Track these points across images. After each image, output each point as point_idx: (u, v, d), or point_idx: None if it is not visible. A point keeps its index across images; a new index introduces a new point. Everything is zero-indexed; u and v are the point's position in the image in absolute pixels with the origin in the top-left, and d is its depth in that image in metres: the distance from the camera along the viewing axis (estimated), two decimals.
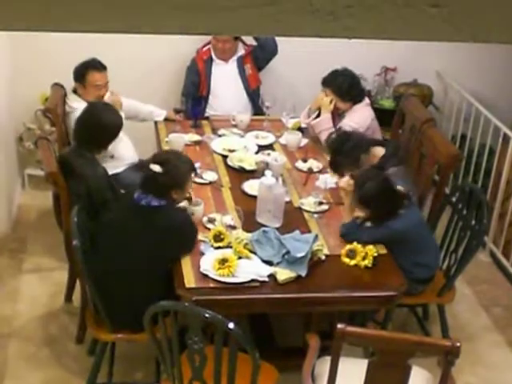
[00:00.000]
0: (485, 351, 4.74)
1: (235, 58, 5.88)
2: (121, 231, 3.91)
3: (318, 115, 5.29)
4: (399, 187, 4.17)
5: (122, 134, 5.07)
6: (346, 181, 4.33)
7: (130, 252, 3.83)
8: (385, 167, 4.42)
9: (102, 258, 3.87)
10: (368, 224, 4.16)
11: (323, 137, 5.21)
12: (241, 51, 5.90)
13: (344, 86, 5.17)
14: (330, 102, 5.22)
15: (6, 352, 4.45)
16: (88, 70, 5.13)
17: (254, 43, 5.95)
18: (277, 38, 5.86)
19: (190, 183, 4.08)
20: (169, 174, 3.83)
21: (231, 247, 3.93)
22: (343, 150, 4.46)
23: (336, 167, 4.52)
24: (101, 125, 4.52)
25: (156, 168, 3.80)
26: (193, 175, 4.11)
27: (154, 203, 3.81)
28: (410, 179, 4.63)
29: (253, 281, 3.77)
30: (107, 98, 5.17)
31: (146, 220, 3.84)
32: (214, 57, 5.87)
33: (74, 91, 5.22)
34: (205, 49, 5.90)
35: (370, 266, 3.94)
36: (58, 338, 4.60)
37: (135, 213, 3.89)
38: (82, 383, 4.12)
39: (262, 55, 5.95)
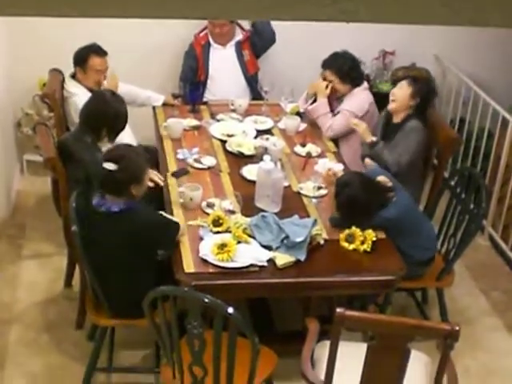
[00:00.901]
0: (483, 335, 4.75)
1: (233, 42, 5.86)
2: (91, 241, 3.80)
3: (315, 101, 5.29)
4: (380, 178, 4.16)
5: None
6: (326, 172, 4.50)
7: (110, 256, 3.80)
8: (410, 117, 4.75)
9: (97, 245, 3.86)
10: None
11: (321, 122, 5.21)
12: (239, 36, 5.88)
13: (345, 68, 5.16)
14: (326, 86, 5.21)
15: (6, 338, 4.46)
16: (90, 54, 5.11)
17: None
18: (274, 23, 5.85)
19: (148, 176, 3.92)
20: (125, 170, 3.69)
21: (230, 232, 3.94)
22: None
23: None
24: (112, 114, 4.48)
25: (110, 166, 3.67)
26: (149, 167, 3.94)
27: (114, 209, 3.71)
28: (424, 141, 4.74)
29: (252, 265, 3.77)
30: (106, 82, 5.16)
31: (109, 228, 3.74)
32: (211, 41, 5.85)
33: (72, 76, 5.20)
34: (202, 34, 5.88)
35: (368, 250, 3.94)
36: (57, 323, 4.60)
37: (97, 220, 3.77)
38: (82, 368, 4.13)
39: (259, 43, 5.92)
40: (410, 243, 4.18)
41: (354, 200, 4.00)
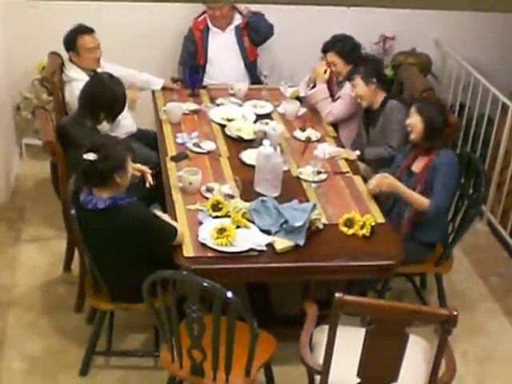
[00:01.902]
0: (481, 320, 4.77)
1: (232, 27, 5.83)
2: (85, 237, 3.78)
3: (314, 86, 5.28)
4: None
5: None
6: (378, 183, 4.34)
7: (105, 249, 3.78)
8: (386, 100, 4.82)
9: (89, 238, 3.84)
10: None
11: (320, 107, 5.20)
12: (237, 20, 5.85)
13: (347, 48, 5.17)
14: (325, 72, 5.22)
15: (5, 321, 4.47)
16: (77, 35, 5.08)
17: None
18: (274, 7, 5.83)
19: (130, 163, 3.81)
20: (107, 159, 3.62)
21: (229, 216, 3.94)
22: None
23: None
24: (110, 96, 4.48)
25: (91, 156, 3.61)
26: (130, 155, 3.83)
27: (100, 205, 3.65)
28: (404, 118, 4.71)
29: (251, 250, 3.78)
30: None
31: (97, 225, 3.70)
32: (210, 25, 5.82)
33: (71, 60, 5.19)
34: (201, 18, 5.86)
35: (367, 235, 3.95)
36: (57, 306, 4.61)
37: (85, 217, 3.73)
38: (81, 352, 4.15)
39: (257, 38, 5.89)
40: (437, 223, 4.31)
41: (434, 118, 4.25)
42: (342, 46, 5.18)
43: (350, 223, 3.98)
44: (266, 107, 5.33)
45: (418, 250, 4.27)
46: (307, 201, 4.17)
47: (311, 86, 5.33)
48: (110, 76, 4.64)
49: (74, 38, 5.09)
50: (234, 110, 5.22)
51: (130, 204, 3.71)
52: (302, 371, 3.66)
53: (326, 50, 5.23)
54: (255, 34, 5.86)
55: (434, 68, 6.45)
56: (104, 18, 5.46)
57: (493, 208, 5.75)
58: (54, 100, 5.08)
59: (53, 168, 4.59)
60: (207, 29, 5.83)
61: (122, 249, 3.74)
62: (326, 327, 3.22)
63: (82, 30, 5.11)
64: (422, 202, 4.18)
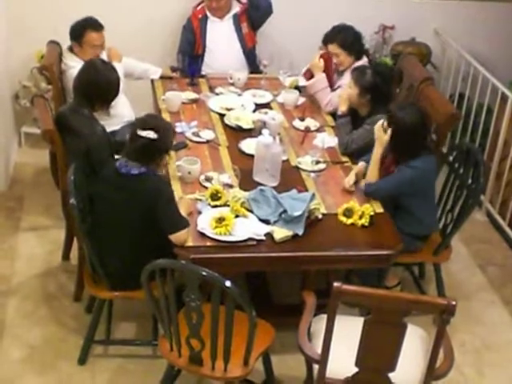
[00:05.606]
0: (480, 310, 4.77)
1: (230, 15, 5.82)
2: (106, 200, 3.83)
3: (311, 77, 5.27)
4: None
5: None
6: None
7: (118, 219, 3.80)
8: (375, 111, 4.58)
9: (97, 218, 3.86)
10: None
11: (320, 97, 5.18)
12: (235, 8, 5.84)
13: (349, 39, 5.13)
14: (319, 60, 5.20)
15: (4, 310, 4.47)
16: (86, 29, 5.04)
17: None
18: None
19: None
20: (163, 139, 3.75)
21: (228, 206, 3.94)
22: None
23: None
24: (104, 83, 4.45)
25: (151, 134, 3.68)
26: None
27: (134, 171, 3.72)
28: None
29: (250, 239, 3.78)
30: (107, 56, 5.13)
31: (126, 188, 3.74)
32: (208, 15, 5.81)
33: (70, 49, 5.17)
34: (199, 7, 5.85)
35: (366, 224, 3.95)
36: (55, 295, 4.62)
37: (116, 182, 3.78)
38: (80, 340, 4.15)
39: (256, 15, 5.87)
40: (414, 215, 4.25)
41: (408, 123, 4.14)
42: (343, 38, 5.13)
43: (348, 213, 3.98)
44: (265, 96, 5.32)
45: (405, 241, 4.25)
46: (306, 190, 4.17)
47: (308, 77, 5.32)
48: (103, 62, 4.63)
49: (83, 32, 5.05)
50: (233, 100, 5.21)
51: (160, 177, 3.88)
52: (300, 360, 3.67)
53: (326, 41, 5.19)
54: (255, 10, 5.83)
55: (434, 58, 6.44)
56: (104, 8, 5.43)
57: (492, 198, 5.76)
58: (53, 89, 5.06)
59: (51, 157, 4.59)
60: (205, 18, 5.82)
61: (132, 219, 3.74)
62: (324, 316, 3.22)
63: (92, 25, 5.06)
64: (374, 176, 4.22)
